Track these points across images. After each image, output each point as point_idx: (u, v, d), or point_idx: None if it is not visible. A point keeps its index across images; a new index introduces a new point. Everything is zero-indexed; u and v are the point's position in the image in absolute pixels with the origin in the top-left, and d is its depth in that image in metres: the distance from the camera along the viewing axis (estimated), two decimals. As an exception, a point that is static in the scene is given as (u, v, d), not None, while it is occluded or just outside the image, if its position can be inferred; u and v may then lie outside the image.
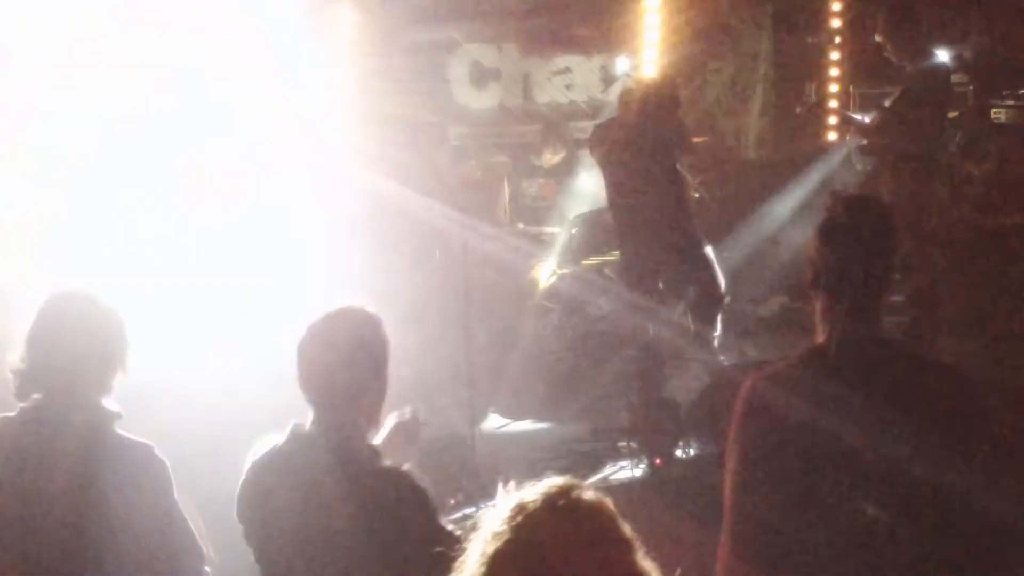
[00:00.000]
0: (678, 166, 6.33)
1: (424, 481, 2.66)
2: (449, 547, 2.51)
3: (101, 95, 6.65)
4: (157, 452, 2.91)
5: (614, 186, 6.38)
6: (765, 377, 2.52)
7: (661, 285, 6.39)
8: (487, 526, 1.67)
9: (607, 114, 8.16)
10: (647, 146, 6.14)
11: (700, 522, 5.39)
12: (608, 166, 6.36)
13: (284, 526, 2.62)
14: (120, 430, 2.95)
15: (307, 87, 7.84)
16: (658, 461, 5.41)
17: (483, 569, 1.62)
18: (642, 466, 5.46)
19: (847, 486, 2.36)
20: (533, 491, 1.67)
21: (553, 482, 1.69)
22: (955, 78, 8.64)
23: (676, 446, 5.60)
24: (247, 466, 2.73)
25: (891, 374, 2.45)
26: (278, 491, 2.64)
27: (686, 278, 6.35)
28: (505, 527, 1.64)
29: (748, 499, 2.45)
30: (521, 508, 1.65)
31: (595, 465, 5.75)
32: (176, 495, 2.93)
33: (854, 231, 2.49)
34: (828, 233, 2.52)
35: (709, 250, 6.41)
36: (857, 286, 2.47)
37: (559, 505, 1.64)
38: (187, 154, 7.16)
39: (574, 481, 1.69)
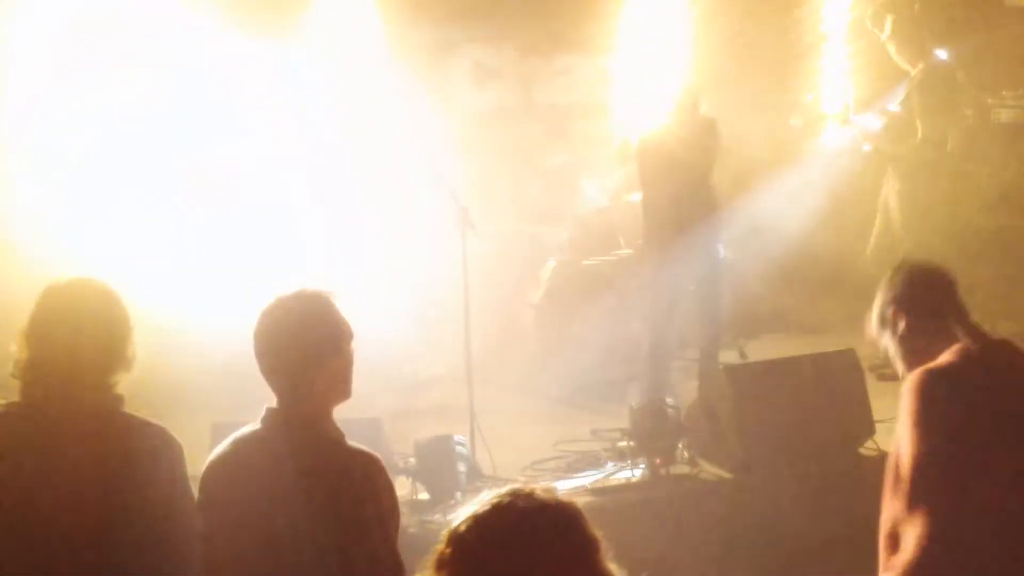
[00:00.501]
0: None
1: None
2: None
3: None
4: (170, 433, 2.93)
5: (662, 194, 6.36)
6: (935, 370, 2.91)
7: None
8: (454, 522, 1.71)
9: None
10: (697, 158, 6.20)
11: (700, 522, 5.40)
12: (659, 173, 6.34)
13: (245, 508, 2.67)
14: (129, 411, 2.95)
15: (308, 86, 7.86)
16: (658, 461, 5.41)
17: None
18: (642, 466, 5.45)
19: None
20: (498, 492, 1.72)
21: (517, 485, 1.73)
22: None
23: (676, 446, 5.59)
24: (219, 446, 2.80)
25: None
26: (243, 472, 2.71)
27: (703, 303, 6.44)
28: (465, 523, 1.68)
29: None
30: (484, 505, 1.69)
31: (595, 465, 5.74)
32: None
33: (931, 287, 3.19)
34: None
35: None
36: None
37: (519, 504, 1.66)
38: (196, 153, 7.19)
39: (544, 484, 1.73)
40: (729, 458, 5.49)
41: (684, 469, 5.51)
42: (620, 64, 8.26)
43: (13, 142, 6.66)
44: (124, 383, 2.98)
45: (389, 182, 7.64)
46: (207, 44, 7.02)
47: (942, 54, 8.47)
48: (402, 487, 5.29)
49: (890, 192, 7.15)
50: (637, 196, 6.94)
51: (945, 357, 2.94)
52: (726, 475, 5.45)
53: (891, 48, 7.05)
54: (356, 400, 2.83)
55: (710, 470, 5.53)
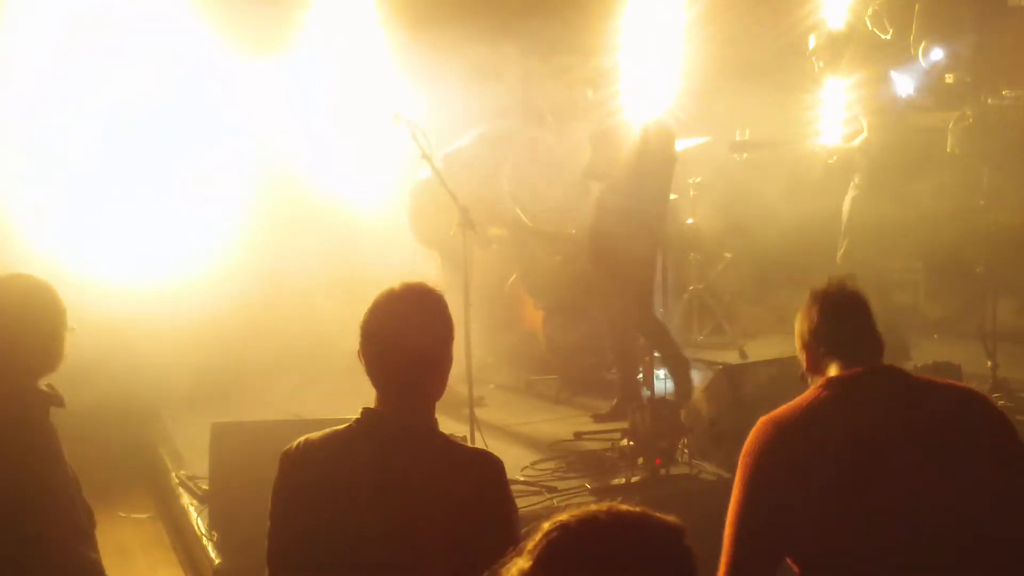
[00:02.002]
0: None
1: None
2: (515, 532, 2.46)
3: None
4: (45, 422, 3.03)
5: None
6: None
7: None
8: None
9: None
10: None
11: (700, 522, 5.41)
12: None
13: (336, 505, 2.49)
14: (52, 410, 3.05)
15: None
16: (657, 461, 5.41)
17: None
18: (641, 466, 5.45)
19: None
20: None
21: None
22: (953, 76, 8.65)
23: (676, 446, 5.59)
24: (300, 448, 2.59)
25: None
26: (336, 471, 2.53)
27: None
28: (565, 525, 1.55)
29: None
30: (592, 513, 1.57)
31: (595, 464, 5.75)
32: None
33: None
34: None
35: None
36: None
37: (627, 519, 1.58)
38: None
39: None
40: (729, 458, 5.49)
41: (684, 469, 5.51)
42: (620, 64, 8.24)
43: (13, 142, 6.67)
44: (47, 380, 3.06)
45: (389, 182, 7.64)
46: (206, 45, 7.03)
47: (937, 53, 8.48)
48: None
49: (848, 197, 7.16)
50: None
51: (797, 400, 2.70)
52: (726, 475, 5.45)
53: (817, 62, 7.09)
54: (355, 399, 2.79)
55: (710, 470, 5.53)
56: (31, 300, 3.06)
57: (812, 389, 2.69)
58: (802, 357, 2.87)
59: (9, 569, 2.89)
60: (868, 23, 8.52)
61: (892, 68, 7.38)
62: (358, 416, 2.58)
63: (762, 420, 2.66)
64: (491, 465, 2.54)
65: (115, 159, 6.98)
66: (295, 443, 2.60)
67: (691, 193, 8.21)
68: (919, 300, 8.55)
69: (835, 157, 7.20)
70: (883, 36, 8.31)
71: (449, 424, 6.11)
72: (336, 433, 2.58)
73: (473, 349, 5.73)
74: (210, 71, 7.07)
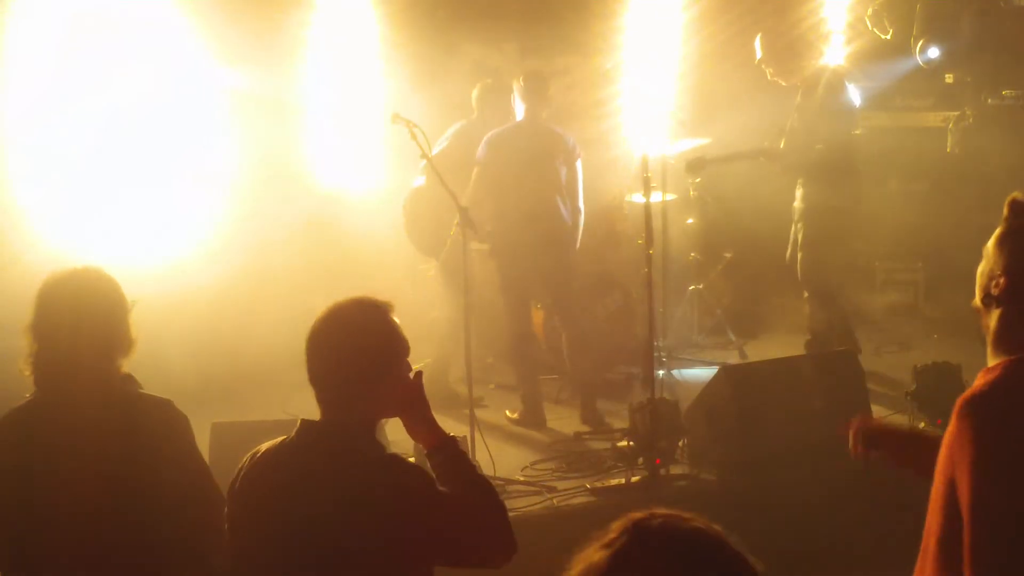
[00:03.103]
0: None
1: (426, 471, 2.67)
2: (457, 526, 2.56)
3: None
4: (175, 408, 3.07)
5: None
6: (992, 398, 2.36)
7: None
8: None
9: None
10: None
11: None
12: None
13: (274, 519, 2.61)
14: (142, 390, 3.08)
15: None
16: (657, 461, 5.41)
17: None
18: (641, 466, 5.45)
19: None
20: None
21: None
22: (951, 76, 8.65)
23: (676, 446, 5.59)
24: (246, 459, 2.74)
25: None
26: (274, 484, 2.64)
27: None
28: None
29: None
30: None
31: (594, 464, 5.75)
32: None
33: None
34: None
35: None
36: None
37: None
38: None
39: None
40: (729, 458, 5.49)
41: (684, 469, 5.51)
42: (620, 65, 8.25)
43: (13, 142, 6.67)
44: (128, 363, 3.08)
45: (388, 182, 7.64)
46: (204, 45, 7.03)
47: (933, 52, 8.48)
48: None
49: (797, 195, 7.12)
50: (638, 197, 6.95)
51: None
52: (726, 475, 5.45)
53: (765, 68, 7.06)
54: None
55: (710, 470, 5.53)
56: (97, 291, 3.08)
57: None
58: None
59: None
60: (868, 23, 8.53)
61: (847, 74, 7.34)
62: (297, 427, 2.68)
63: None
64: (411, 477, 2.59)
65: (115, 158, 6.98)
66: (238, 471, 2.72)
67: (691, 193, 8.21)
68: (919, 300, 8.55)
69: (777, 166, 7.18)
70: (883, 36, 8.31)
71: (449, 424, 6.11)
72: (281, 444, 2.68)
73: (473, 349, 5.72)
74: (209, 71, 7.07)
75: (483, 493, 2.69)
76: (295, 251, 7.43)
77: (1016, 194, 2.53)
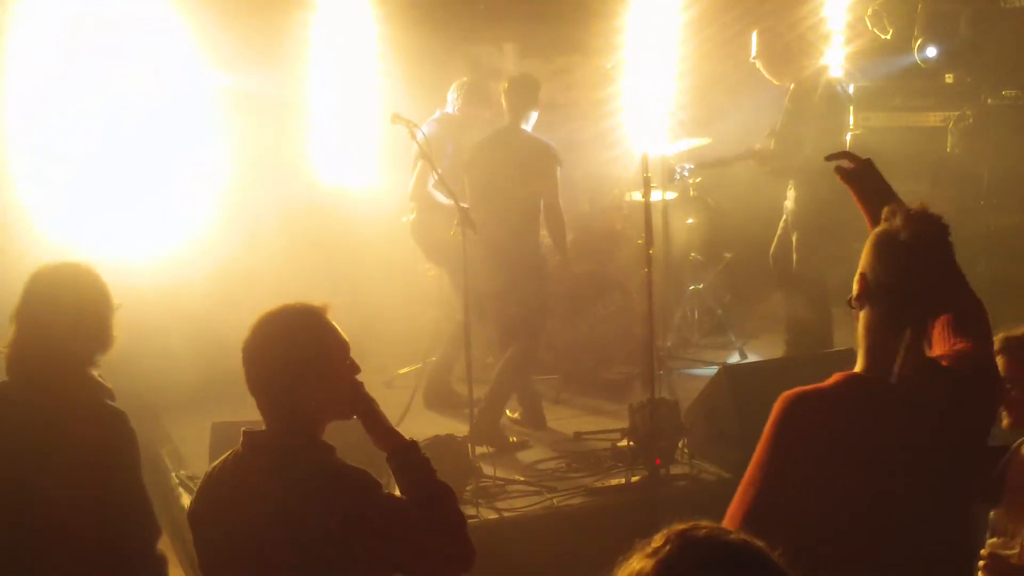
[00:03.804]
0: None
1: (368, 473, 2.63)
2: (409, 524, 2.54)
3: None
4: (128, 424, 3.11)
5: None
6: (805, 397, 2.44)
7: None
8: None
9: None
10: None
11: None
12: None
13: (228, 532, 2.61)
14: (109, 401, 3.14)
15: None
16: (657, 461, 5.40)
17: None
18: (641, 465, 5.45)
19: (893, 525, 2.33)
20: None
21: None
22: (951, 76, 8.64)
23: (676, 446, 5.59)
24: (202, 478, 2.74)
25: (947, 403, 2.41)
26: (225, 497, 2.64)
27: None
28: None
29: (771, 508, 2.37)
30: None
31: (594, 464, 5.74)
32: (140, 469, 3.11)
33: (924, 250, 2.44)
34: (897, 249, 2.45)
35: None
36: (921, 306, 2.44)
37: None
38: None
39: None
40: (729, 458, 5.49)
41: (684, 469, 5.51)
42: (620, 65, 8.25)
43: (15, 141, 6.68)
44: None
45: (387, 182, 7.64)
46: (204, 45, 7.03)
47: (931, 52, 8.47)
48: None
49: (789, 196, 7.11)
50: (637, 196, 6.95)
51: None
52: (726, 475, 5.44)
53: (759, 65, 7.05)
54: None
55: (710, 470, 5.53)
56: (82, 284, 3.11)
57: None
58: None
59: (90, 558, 2.93)
60: (868, 23, 8.53)
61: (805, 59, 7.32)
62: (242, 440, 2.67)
63: None
64: (356, 485, 2.56)
65: (116, 157, 6.98)
66: (194, 495, 2.74)
67: (691, 193, 8.21)
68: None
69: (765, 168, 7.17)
70: (883, 36, 8.31)
71: (449, 424, 6.11)
72: (228, 459, 2.69)
73: (473, 349, 5.72)
74: (208, 71, 7.07)
75: (440, 502, 2.63)
76: (296, 251, 7.42)
77: (923, 202, 2.53)
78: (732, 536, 1.52)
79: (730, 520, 2.34)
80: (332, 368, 2.65)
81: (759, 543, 1.53)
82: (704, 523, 1.55)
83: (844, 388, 2.43)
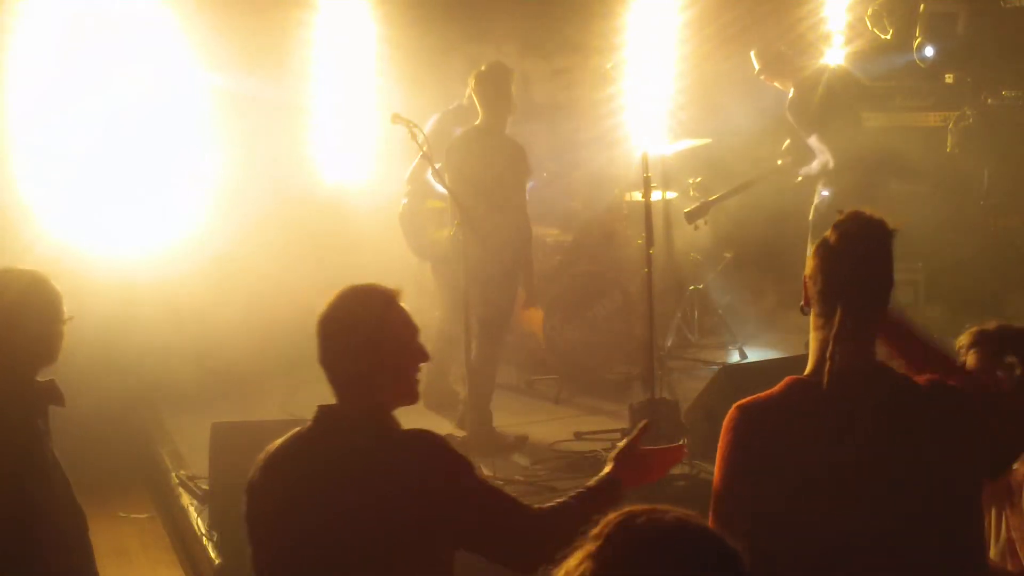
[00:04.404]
0: None
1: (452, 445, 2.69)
2: (493, 500, 2.60)
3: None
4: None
5: None
6: (748, 407, 2.49)
7: None
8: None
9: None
10: None
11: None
12: None
13: (298, 508, 2.58)
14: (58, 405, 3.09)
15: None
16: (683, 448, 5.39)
17: None
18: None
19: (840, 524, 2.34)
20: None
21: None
22: (951, 76, 8.65)
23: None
24: (260, 457, 2.68)
25: (889, 405, 2.42)
26: (294, 469, 2.62)
27: None
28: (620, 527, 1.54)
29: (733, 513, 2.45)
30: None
31: (593, 464, 5.74)
32: None
33: (851, 251, 2.48)
34: (826, 252, 2.49)
35: None
36: (854, 309, 2.46)
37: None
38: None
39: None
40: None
41: (684, 469, 5.51)
42: (620, 64, 8.25)
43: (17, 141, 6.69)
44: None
45: (387, 183, 7.64)
46: (203, 45, 7.04)
47: (928, 51, 8.48)
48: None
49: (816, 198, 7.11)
50: (638, 195, 6.94)
51: None
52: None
53: (765, 79, 7.06)
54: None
55: (710, 470, 5.52)
56: (27, 292, 3.05)
57: None
58: None
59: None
60: (868, 23, 8.53)
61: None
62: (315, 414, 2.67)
63: None
64: (430, 442, 2.63)
65: (116, 157, 6.99)
66: (255, 467, 2.67)
67: (691, 193, 8.20)
68: (919, 300, 8.54)
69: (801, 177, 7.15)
70: (883, 36, 8.31)
71: (449, 424, 6.12)
72: (297, 434, 2.66)
73: (473, 349, 5.73)
74: (207, 70, 7.07)
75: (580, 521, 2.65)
76: (296, 252, 7.43)
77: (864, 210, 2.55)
78: (670, 516, 1.51)
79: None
80: (402, 348, 2.69)
81: (699, 519, 1.52)
82: (639, 508, 1.53)
83: (786, 393, 2.48)
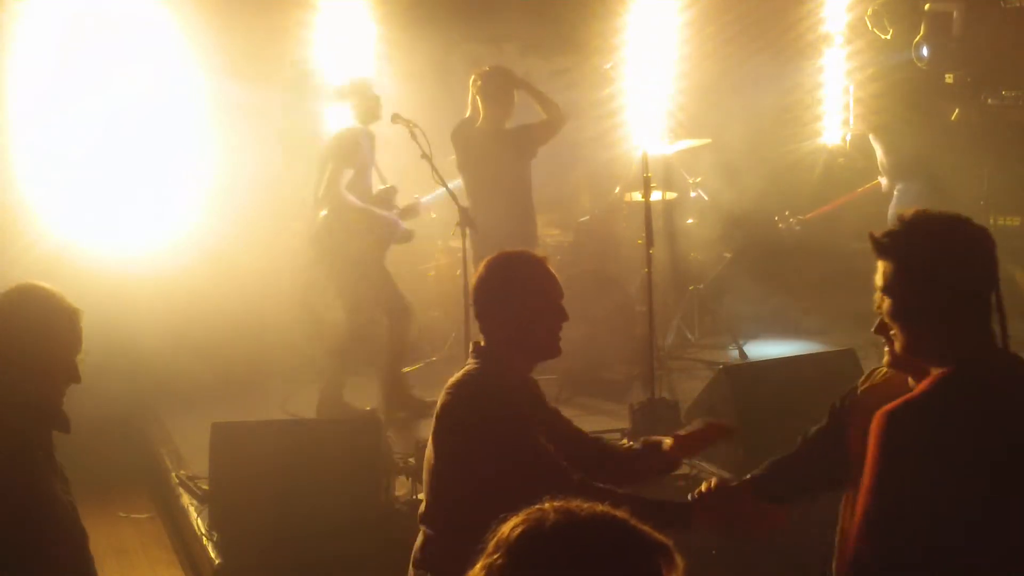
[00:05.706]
0: None
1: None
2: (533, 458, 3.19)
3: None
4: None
5: None
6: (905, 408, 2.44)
7: None
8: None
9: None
10: None
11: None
12: None
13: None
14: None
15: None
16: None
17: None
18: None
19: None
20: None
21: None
22: (951, 76, 8.65)
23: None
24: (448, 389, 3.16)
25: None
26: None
27: None
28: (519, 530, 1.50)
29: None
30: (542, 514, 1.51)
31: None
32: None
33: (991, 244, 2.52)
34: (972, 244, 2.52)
35: None
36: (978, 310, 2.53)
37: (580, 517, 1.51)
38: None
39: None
40: (729, 458, 5.48)
41: (684, 469, 5.51)
42: (620, 64, 8.25)
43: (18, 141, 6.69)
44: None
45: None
46: (203, 45, 7.04)
47: (925, 51, 8.49)
48: (402, 487, 5.30)
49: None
50: (638, 195, 6.94)
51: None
52: (726, 475, 5.44)
53: None
54: (355, 399, 2.83)
55: (710, 470, 5.53)
56: (52, 312, 2.95)
57: None
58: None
59: None
60: (868, 23, 8.53)
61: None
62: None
63: None
64: (466, 386, 3.15)
65: (117, 156, 6.99)
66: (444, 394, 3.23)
67: (691, 193, 8.21)
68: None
69: (843, 158, 7.17)
70: (883, 36, 8.31)
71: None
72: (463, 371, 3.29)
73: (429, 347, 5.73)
74: (207, 70, 7.07)
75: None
76: (296, 252, 7.43)
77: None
78: (585, 512, 1.47)
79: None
80: (548, 303, 3.25)
81: (611, 512, 1.48)
82: (551, 505, 1.49)
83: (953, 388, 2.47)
